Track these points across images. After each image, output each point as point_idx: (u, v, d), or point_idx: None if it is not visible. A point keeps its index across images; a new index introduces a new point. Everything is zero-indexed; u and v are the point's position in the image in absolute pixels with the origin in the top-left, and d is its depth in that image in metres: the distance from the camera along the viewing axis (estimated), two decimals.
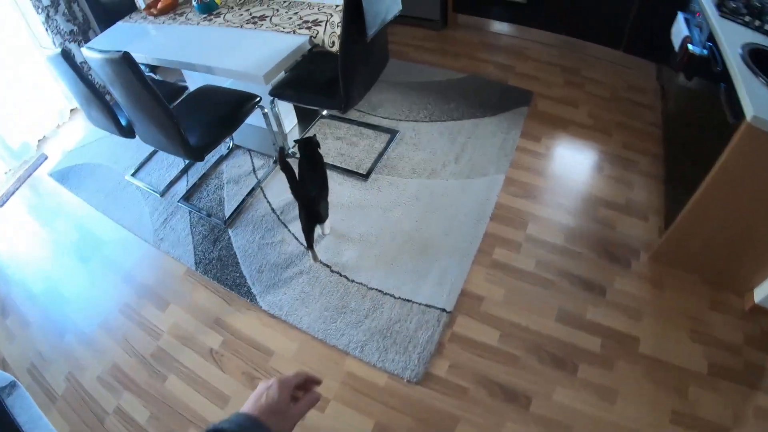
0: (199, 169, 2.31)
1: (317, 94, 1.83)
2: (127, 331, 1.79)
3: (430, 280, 1.73)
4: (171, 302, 1.86)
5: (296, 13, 1.88)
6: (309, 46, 1.76)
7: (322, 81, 1.87)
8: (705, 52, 1.69)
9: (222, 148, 2.36)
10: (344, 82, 1.70)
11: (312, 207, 1.70)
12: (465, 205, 1.94)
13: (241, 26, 1.87)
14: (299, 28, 1.79)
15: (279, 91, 1.89)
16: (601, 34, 2.65)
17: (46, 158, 2.67)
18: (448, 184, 2.02)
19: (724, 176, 1.38)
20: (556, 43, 2.84)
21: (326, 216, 1.85)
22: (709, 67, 1.61)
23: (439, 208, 1.95)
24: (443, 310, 1.65)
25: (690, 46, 1.73)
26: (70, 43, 2.60)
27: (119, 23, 2.19)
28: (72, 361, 1.74)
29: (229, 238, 1.99)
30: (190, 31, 1.96)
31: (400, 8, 1.72)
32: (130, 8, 2.30)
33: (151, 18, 2.15)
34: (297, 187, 1.65)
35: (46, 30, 2.49)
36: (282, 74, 1.89)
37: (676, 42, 1.89)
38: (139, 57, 1.82)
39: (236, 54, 1.75)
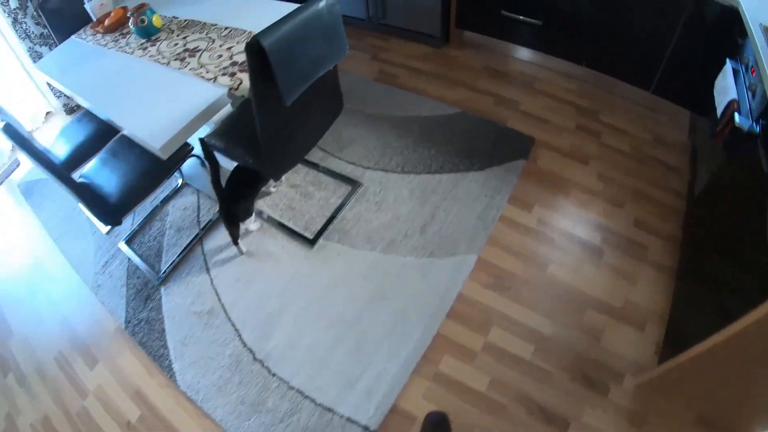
0: (147, 205, 2.12)
1: (246, 154, 1.54)
2: (59, 383, 1.69)
3: (360, 388, 1.48)
4: (99, 360, 1.72)
5: (230, 48, 1.59)
6: (228, 100, 1.47)
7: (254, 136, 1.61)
8: (756, 128, 1.29)
9: (173, 182, 2.16)
10: (267, 153, 1.42)
11: (228, 206, 1.67)
12: (421, 294, 1.66)
13: (169, 63, 1.60)
14: (223, 74, 1.50)
15: (210, 140, 1.63)
16: (629, 69, 2.21)
17: (18, 165, 2.55)
18: (407, 263, 1.73)
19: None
20: (575, 74, 2.42)
21: (246, 217, 1.77)
22: (758, 150, 1.24)
23: (390, 294, 1.67)
24: (366, 428, 1.41)
25: (736, 117, 1.33)
26: (41, 47, 2.40)
27: (72, 38, 1.98)
28: (11, 402, 1.67)
29: (161, 297, 1.79)
30: (121, 63, 1.72)
31: (346, 52, 1.38)
32: (86, 20, 2.07)
33: (99, 36, 1.91)
34: (216, 183, 1.63)
35: (16, 33, 2.30)
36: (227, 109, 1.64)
37: (720, 102, 1.48)
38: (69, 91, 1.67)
39: (149, 107, 1.50)
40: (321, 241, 1.82)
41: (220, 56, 1.55)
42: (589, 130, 2.18)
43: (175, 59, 1.60)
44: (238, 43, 1.60)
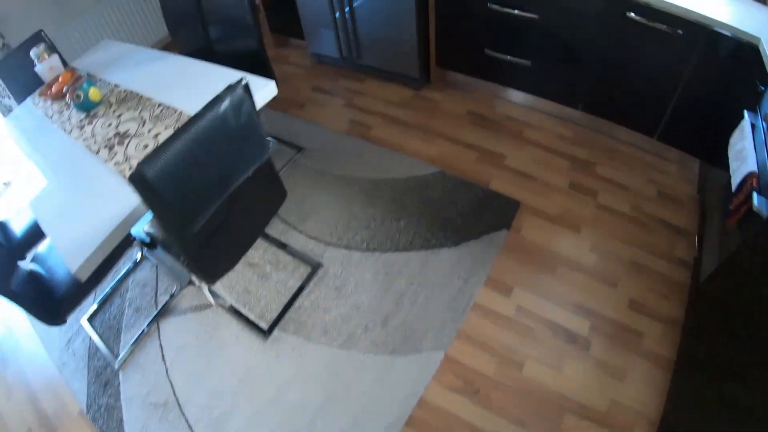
0: (109, 279, 2.04)
1: (182, 255, 1.39)
2: None
3: None
4: None
5: (156, 136, 1.46)
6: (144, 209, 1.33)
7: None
8: None
9: (134, 254, 2.08)
10: (195, 265, 1.30)
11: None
12: (379, 398, 1.50)
13: (98, 151, 1.48)
14: None
15: (148, 236, 1.52)
16: (631, 113, 2.00)
17: None
18: (365, 361, 1.57)
19: None
20: (571, 117, 2.21)
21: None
22: None
23: (346, 398, 1.52)
24: None
25: (755, 198, 1.11)
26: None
27: (27, 100, 1.89)
28: None
29: (119, 384, 1.70)
30: (61, 145, 1.60)
31: (268, 152, 1.23)
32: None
33: (48, 103, 1.81)
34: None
35: None
36: None
37: (736, 170, 1.27)
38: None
39: (77, 209, 1.38)
40: (276, 332, 1.68)
41: (146, 146, 1.43)
42: (583, 189, 1.96)
43: (105, 146, 1.48)
44: (165, 128, 1.47)
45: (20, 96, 1.98)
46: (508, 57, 2.10)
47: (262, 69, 1.86)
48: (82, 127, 1.63)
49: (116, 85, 1.75)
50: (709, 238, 1.57)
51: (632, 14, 1.67)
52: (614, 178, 2.00)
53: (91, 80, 1.70)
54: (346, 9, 2.28)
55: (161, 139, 1.44)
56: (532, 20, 1.89)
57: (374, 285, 1.74)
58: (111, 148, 1.48)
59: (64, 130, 1.67)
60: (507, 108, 2.34)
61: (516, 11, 1.90)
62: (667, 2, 1.57)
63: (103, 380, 1.72)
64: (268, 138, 2.26)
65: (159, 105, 1.57)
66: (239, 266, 1.88)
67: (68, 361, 1.81)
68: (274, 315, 1.72)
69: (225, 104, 1.01)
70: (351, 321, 1.66)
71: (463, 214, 1.89)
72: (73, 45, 2.53)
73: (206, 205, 1.10)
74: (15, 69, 1.98)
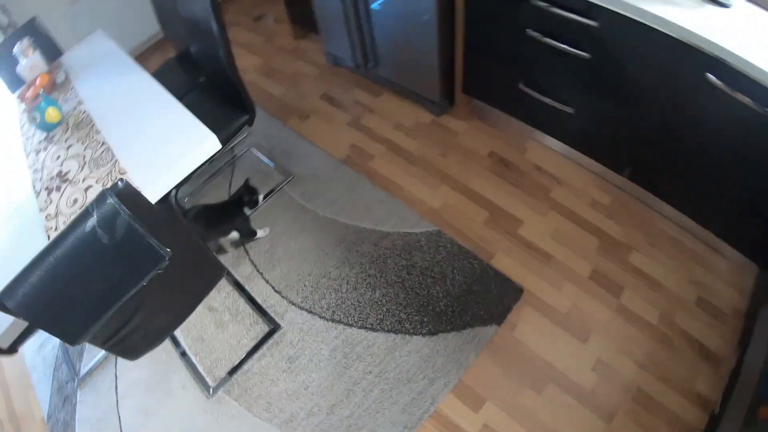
0: None
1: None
2: None
3: None
4: None
5: (87, 190, 1.27)
6: None
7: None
8: None
9: None
10: (115, 351, 1.16)
11: None
12: None
13: (39, 193, 1.35)
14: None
15: None
16: (687, 195, 1.58)
17: None
18: None
19: None
20: (613, 181, 1.80)
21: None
22: None
23: None
24: None
25: None
26: None
27: (11, 99, 1.81)
28: None
29: (76, 402, 1.69)
30: (21, 171, 1.50)
31: (164, 263, 0.98)
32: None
33: (23, 108, 1.73)
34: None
35: None
36: None
37: None
38: None
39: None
40: (221, 392, 1.56)
41: (75, 201, 1.27)
42: (607, 281, 1.60)
43: (46, 188, 1.35)
44: (96, 181, 1.29)
45: (15, 86, 1.90)
46: (547, 99, 1.70)
47: (236, 91, 1.64)
48: (38, 152, 1.51)
49: (80, 102, 1.59)
50: (738, 399, 1.21)
51: (712, 77, 1.22)
52: (649, 271, 1.60)
53: (52, 98, 1.53)
54: (361, 11, 1.93)
55: (90, 195, 1.27)
56: (581, 60, 1.48)
57: (329, 364, 1.55)
58: (50, 192, 1.34)
59: (25, 151, 1.56)
60: (538, 155, 1.94)
61: (562, 45, 1.50)
62: (762, 69, 1.13)
63: (64, 394, 1.72)
64: (268, 162, 2.10)
65: (103, 144, 1.38)
66: (199, 308, 1.74)
67: (38, 366, 1.83)
68: (222, 373, 1.59)
69: (91, 222, 0.82)
70: (296, 400, 1.50)
71: (450, 294, 1.61)
72: (79, 26, 2.39)
73: (92, 320, 0.95)
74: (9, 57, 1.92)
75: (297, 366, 1.58)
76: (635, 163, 1.65)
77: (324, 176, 2.02)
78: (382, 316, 1.60)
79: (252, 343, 1.64)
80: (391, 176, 1.97)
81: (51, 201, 1.31)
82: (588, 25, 1.37)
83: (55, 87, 1.75)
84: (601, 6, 1.32)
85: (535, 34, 1.53)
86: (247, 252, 1.85)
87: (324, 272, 1.74)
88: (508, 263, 1.67)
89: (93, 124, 1.47)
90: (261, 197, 1.84)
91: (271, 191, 2.02)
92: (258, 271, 1.79)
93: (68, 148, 1.44)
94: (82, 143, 1.43)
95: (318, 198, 1.95)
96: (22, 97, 1.73)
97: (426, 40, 1.80)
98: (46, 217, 1.28)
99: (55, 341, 1.88)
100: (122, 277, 0.95)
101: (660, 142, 1.50)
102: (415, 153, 2.03)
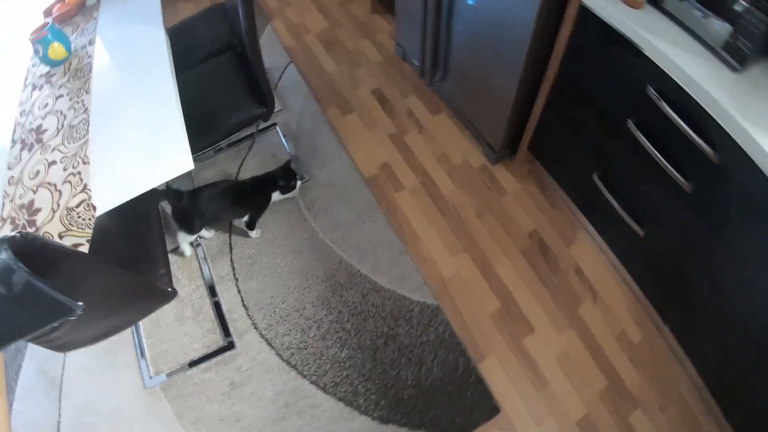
0: None
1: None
2: None
3: None
4: None
5: (50, 165, 1.12)
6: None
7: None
8: None
9: None
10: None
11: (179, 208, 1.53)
12: None
13: (10, 149, 1.21)
14: (12, 222, 1.07)
15: None
16: (716, 368, 1.27)
17: None
18: None
19: None
20: (652, 317, 1.49)
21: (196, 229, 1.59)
22: None
23: None
24: None
25: None
26: None
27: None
28: None
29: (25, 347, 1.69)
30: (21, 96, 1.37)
31: (74, 313, 0.79)
32: None
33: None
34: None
35: None
36: None
37: None
38: None
39: None
40: (157, 388, 1.50)
41: (37, 173, 1.12)
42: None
43: (21, 141, 1.21)
44: (60, 160, 1.12)
45: None
46: (619, 206, 1.37)
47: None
48: (34, 88, 1.36)
49: (91, 42, 1.40)
50: None
51: None
52: None
53: (61, 31, 1.36)
54: (445, 9, 1.59)
55: (51, 174, 1.10)
56: (679, 186, 1.15)
57: (268, 407, 1.43)
58: (23, 148, 1.19)
59: (24, 81, 1.42)
60: (584, 253, 1.62)
61: (662, 159, 1.13)
62: None
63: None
64: (288, 149, 1.90)
65: (85, 111, 1.20)
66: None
67: None
68: (165, 368, 1.52)
69: None
70: (225, 429, 1.40)
71: (419, 385, 1.41)
72: None
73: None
74: None
75: (237, 394, 1.47)
76: (681, 319, 1.34)
77: (340, 191, 1.80)
78: (339, 380, 1.44)
79: (203, 352, 1.53)
80: (412, 220, 1.72)
81: (20, 160, 1.18)
82: (704, 150, 1.04)
83: (81, 9, 1.57)
84: (733, 139, 0.99)
85: (635, 130, 1.20)
86: (231, 249, 1.71)
87: (299, 306, 1.58)
88: (497, 374, 1.44)
89: (89, 79, 1.30)
90: (299, 184, 1.67)
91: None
92: (234, 276, 1.65)
93: (57, 98, 1.28)
94: (70, 99, 1.26)
95: (324, 215, 1.75)
96: (48, 12, 1.58)
97: (507, 73, 1.46)
98: (9, 180, 1.16)
99: None
100: (23, 322, 0.83)
101: (719, 310, 1.16)
102: (449, 200, 1.75)
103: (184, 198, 1.51)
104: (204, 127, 1.48)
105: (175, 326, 1.60)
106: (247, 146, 1.93)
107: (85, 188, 1.04)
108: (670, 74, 1.01)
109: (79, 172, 1.07)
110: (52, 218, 1.04)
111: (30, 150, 1.19)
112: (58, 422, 1.50)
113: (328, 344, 1.50)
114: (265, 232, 1.73)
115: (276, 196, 1.68)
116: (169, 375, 1.50)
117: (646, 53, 1.05)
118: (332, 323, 1.53)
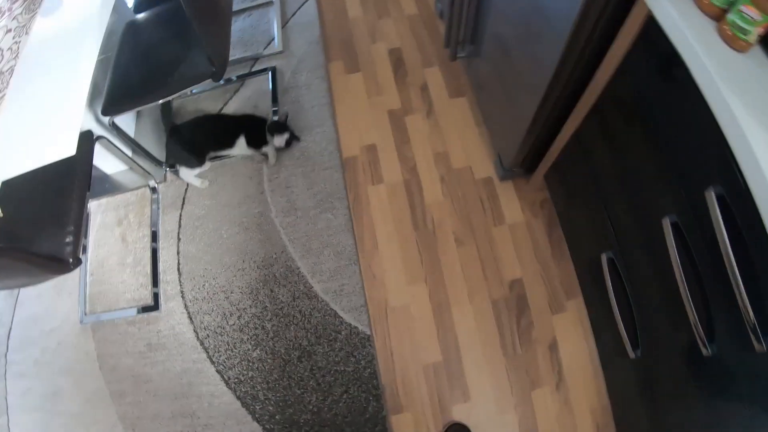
0: None
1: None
2: None
3: None
4: None
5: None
6: None
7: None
8: None
9: None
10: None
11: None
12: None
13: None
14: None
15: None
16: None
17: None
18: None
19: None
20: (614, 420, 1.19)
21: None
22: None
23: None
24: None
25: None
26: None
27: None
28: None
29: None
30: None
31: None
32: None
33: None
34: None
35: None
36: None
37: None
38: None
39: None
40: (88, 325, 1.49)
41: None
42: None
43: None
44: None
45: None
46: (616, 307, 0.98)
47: None
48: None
49: None
50: None
51: None
52: None
53: None
54: None
55: None
56: (695, 345, 0.72)
57: (173, 381, 1.37)
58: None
59: None
60: (567, 330, 1.27)
61: (688, 296, 0.72)
62: None
63: None
64: (270, 104, 1.66)
65: (15, 58, 1.04)
66: (117, 233, 1.59)
67: None
68: (97, 310, 1.52)
69: None
70: (133, 385, 1.39)
71: (317, 414, 1.25)
72: None
73: None
74: None
75: (150, 357, 1.43)
76: None
77: (309, 167, 1.55)
78: (243, 379, 1.34)
79: (131, 306, 1.50)
80: (378, 224, 1.44)
81: None
82: (750, 323, 0.61)
83: None
84: None
85: (669, 237, 0.77)
86: (183, 204, 1.59)
87: (227, 287, 1.45)
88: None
89: (34, 16, 1.13)
90: (281, 145, 1.51)
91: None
92: (178, 235, 1.54)
93: (6, 31, 1.13)
94: (13, 36, 1.10)
95: (283, 192, 1.54)
96: None
97: (538, 68, 1.04)
98: None
99: None
100: None
101: None
102: (429, 212, 1.44)
103: (174, 132, 1.51)
104: (148, 79, 1.31)
105: (116, 270, 1.57)
106: (235, 87, 1.73)
107: None
108: (753, 188, 0.56)
109: None
110: None
111: None
112: (10, 329, 1.60)
113: (244, 338, 1.38)
114: (220, 194, 1.58)
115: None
116: (97, 317, 1.51)
117: (727, 135, 0.59)
118: (253, 317, 1.40)
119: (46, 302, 1.60)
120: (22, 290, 1.66)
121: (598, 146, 1.01)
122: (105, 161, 1.68)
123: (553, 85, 1.00)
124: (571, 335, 1.29)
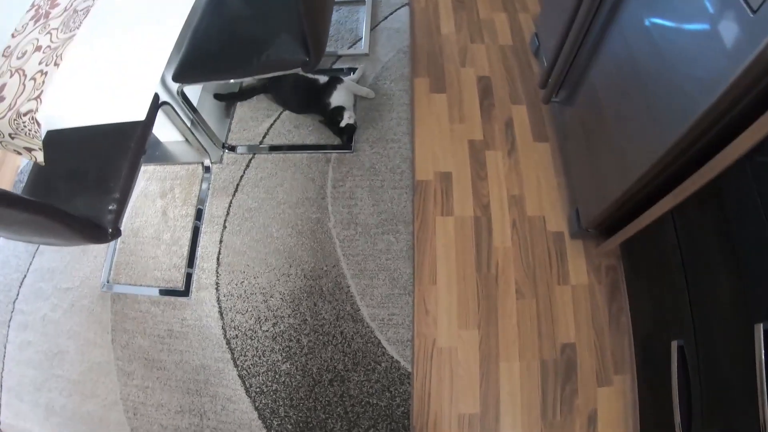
0: None
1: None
2: None
3: None
4: None
5: (22, 55, 0.90)
6: None
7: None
8: None
9: None
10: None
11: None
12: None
13: (36, 8, 1.02)
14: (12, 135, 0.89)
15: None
16: None
17: None
18: (119, 391, 1.27)
19: None
20: None
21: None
22: None
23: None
24: None
25: None
26: None
27: None
28: None
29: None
30: None
31: None
32: None
33: None
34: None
35: None
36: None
37: None
38: None
39: None
40: (108, 294, 1.41)
41: (24, 54, 0.90)
42: None
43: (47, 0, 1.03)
44: (44, 50, 0.89)
45: None
46: (678, 406, 0.90)
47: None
48: None
49: None
50: None
51: None
52: None
53: None
54: (599, 20, 1.09)
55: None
56: None
57: (189, 374, 1.27)
58: (22, 29, 1.01)
59: None
60: (609, 405, 1.19)
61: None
62: None
63: None
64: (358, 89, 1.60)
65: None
66: (159, 204, 1.51)
67: None
68: (121, 280, 1.43)
69: None
70: (145, 369, 1.30)
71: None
72: None
73: None
74: None
75: (169, 344, 1.34)
76: None
77: (378, 182, 1.47)
78: (265, 390, 1.24)
79: (159, 285, 1.41)
80: (440, 258, 1.36)
81: (23, 31, 1.01)
82: None
83: None
84: None
85: (760, 345, 0.72)
86: (236, 191, 1.50)
87: (268, 291, 1.35)
88: None
89: None
90: (345, 122, 1.47)
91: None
92: (225, 222, 1.45)
93: None
94: None
95: (345, 202, 1.45)
96: None
97: (650, 139, 0.96)
98: (4, 50, 1.00)
99: None
100: None
101: None
102: (495, 256, 1.35)
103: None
104: (230, 54, 1.23)
105: (150, 244, 1.48)
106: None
107: (39, 96, 0.85)
108: None
109: (46, 73, 0.87)
110: (4, 116, 0.88)
111: (36, 22, 1.01)
112: (24, 275, 1.52)
113: (275, 348, 1.29)
114: (277, 190, 1.49)
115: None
116: (121, 288, 1.41)
117: None
118: (290, 328, 1.31)
119: (67, 259, 1.51)
120: None
121: (698, 230, 0.94)
122: (161, 128, 1.60)
123: (665, 159, 0.94)
124: (613, 411, 1.21)
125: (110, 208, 1.06)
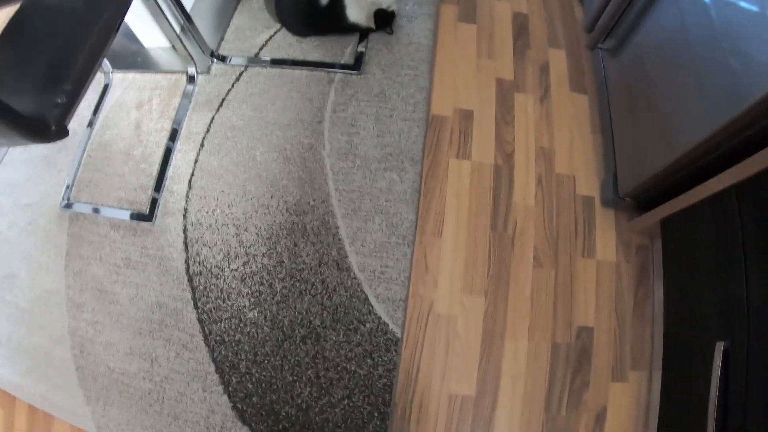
0: None
1: None
2: None
3: None
4: None
5: None
6: None
7: None
8: None
9: None
10: None
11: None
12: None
13: None
14: None
15: None
16: None
17: None
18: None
19: None
20: None
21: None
22: None
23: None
24: None
25: None
26: None
27: None
28: None
29: None
30: None
31: None
32: None
33: None
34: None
35: None
36: None
37: None
38: None
39: None
40: (66, 214, 1.21)
41: None
42: None
43: None
44: None
45: None
46: (713, 413, 0.71)
47: None
48: None
49: None
50: None
51: None
52: None
53: None
54: None
55: None
56: None
57: (143, 312, 1.08)
58: None
59: None
60: (620, 401, 1.00)
61: None
62: None
63: None
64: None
65: None
66: (134, 115, 1.29)
67: None
68: (82, 199, 1.23)
69: None
70: (98, 294, 1.10)
71: (304, 411, 0.97)
72: None
73: None
74: None
75: (124, 275, 1.14)
76: None
77: (387, 110, 1.24)
78: (226, 339, 1.04)
79: (123, 207, 1.20)
80: (449, 209, 1.15)
81: None
82: None
83: None
84: None
85: None
86: (220, 106, 1.28)
87: (242, 223, 1.14)
88: None
89: None
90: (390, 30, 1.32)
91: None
92: (203, 141, 1.23)
93: None
94: None
95: (345, 129, 1.23)
96: None
97: (700, 115, 0.75)
98: None
99: None
100: None
101: None
102: (513, 215, 1.14)
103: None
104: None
105: (118, 159, 1.26)
106: None
107: None
108: None
109: None
110: None
111: None
112: None
113: (243, 291, 1.09)
114: (268, 108, 1.27)
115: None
116: (80, 207, 1.22)
117: None
118: (263, 270, 1.10)
119: (30, 171, 1.31)
120: (10, 151, 1.38)
121: (754, 206, 0.73)
122: (145, 31, 1.38)
123: (714, 138, 0.73)
124: (624, 411, 1.02)
125: (58, 101, 0.85)
